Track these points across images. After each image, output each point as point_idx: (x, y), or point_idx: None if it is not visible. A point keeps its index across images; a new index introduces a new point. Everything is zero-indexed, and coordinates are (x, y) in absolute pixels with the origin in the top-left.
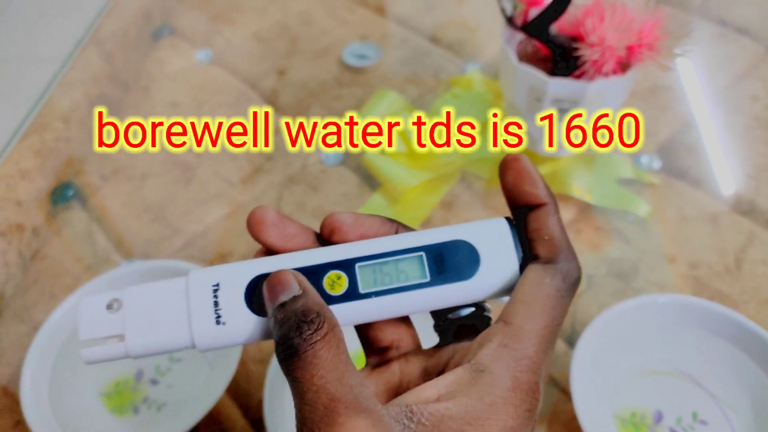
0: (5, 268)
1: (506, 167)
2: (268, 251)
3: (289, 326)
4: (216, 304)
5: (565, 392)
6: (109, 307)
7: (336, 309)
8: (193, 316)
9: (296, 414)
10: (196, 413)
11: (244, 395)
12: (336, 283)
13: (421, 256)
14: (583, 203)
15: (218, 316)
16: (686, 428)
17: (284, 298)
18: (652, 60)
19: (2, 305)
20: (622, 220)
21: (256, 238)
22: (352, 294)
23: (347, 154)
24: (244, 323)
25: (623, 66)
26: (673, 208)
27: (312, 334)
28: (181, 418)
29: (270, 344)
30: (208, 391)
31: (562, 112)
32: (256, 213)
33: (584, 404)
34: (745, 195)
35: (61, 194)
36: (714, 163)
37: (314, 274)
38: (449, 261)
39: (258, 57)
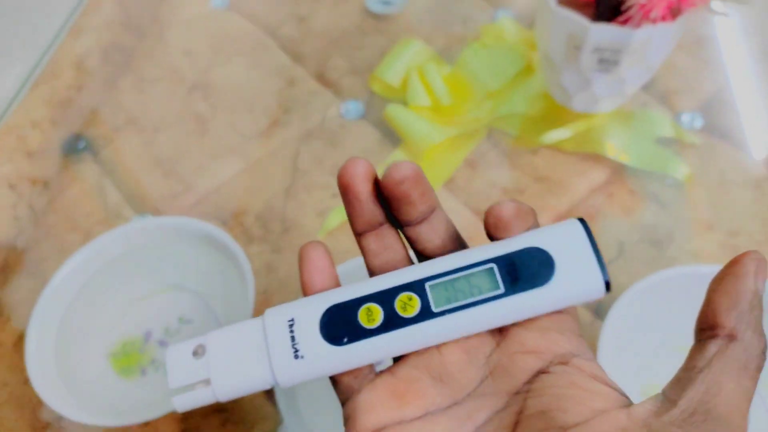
0: (16, 221)
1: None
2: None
3: None
4: (293, 338)
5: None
6: (194, 353)
7: (411, 331)
8: (273, 354)
9: None
10: None
11: None
12: (408, 304)
13: (492, 267)
14: (617, 164)
15: (296, 351)
16: None
17: None
18: (705, 5)
19: (14, 259)
20: (658, 184)
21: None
22: (426, 314)
23: (368, 108)
24: (322, 354)
25: (673, 12)
26: (714, 171)
27: None
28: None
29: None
30: None
31: (602, 62)
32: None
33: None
34: None
35: (73, 146)
36: (760, 124)
37: (385, 298)
38: (522, 269)
39: (276, 2)
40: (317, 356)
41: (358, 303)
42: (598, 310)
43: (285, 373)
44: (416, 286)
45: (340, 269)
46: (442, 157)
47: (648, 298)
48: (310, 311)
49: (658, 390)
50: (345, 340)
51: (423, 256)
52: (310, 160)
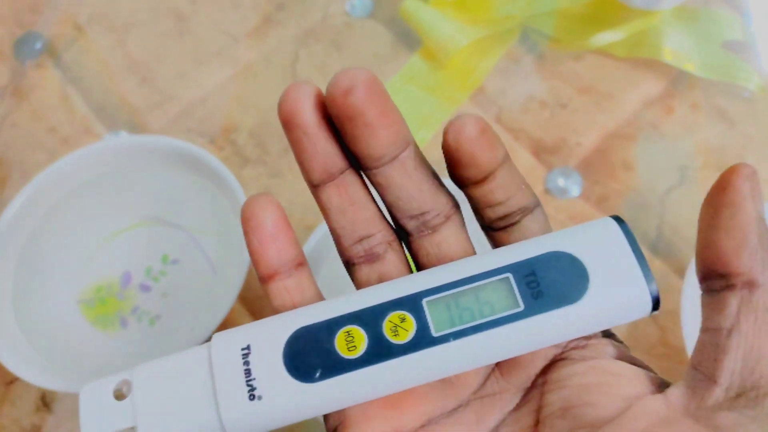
0: None
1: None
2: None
3: None
4: (248, 372)
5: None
6: (116, 392)
7: (404, 362)
8: (220, 393)
9: None
10: (200, 328)
11: (257, 303)
12: (400, 327)
13: (508, 278)
14: (676, 72)
15: (251, 389)
16: None
17: None
18: None
19: None
20: (726, 96)
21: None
22: (424, 339)
23: (377, 3)
24: (287, 394)
25: None
26: None
27: None
28: (181, 334)
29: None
30: (213, 299)
31: None
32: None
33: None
34: None
35: (28, 47)
36: None
37: (371, 319)
38: (546, 281)
39: None
40: (280, 396)
41: (335, 324)
42: (656, 246)
43: (236, 418)
44: (411, 303)
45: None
46: (468, 62)
47: None
48: (272, 336)
49: None
50: (317, 374)
51: (399, 224)
52: (310, 66)
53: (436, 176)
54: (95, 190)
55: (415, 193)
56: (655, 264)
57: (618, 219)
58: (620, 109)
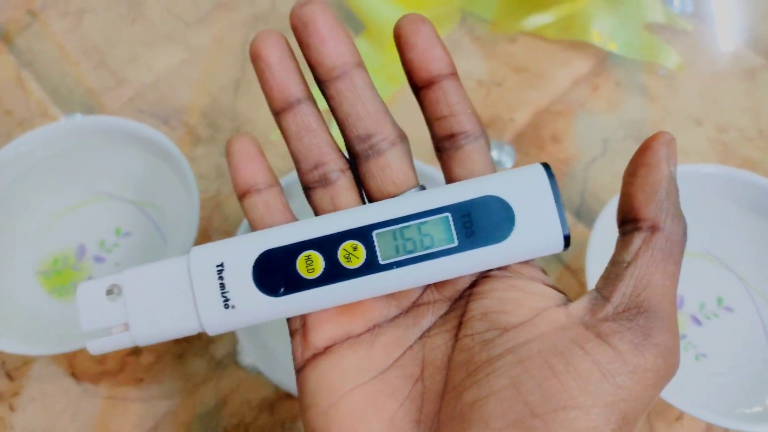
0: None
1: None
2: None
3: None
4: (222, 286)
5: (575, 276)
6: (108, 293)
7: (354, 284)
8: (199, 302)
9: None
10: None
11: None
12: (352, 255)
13: (447, 217)
14: (602, 53)
15: (226, 300)
16: (709, 315)
17: None
18: None
19: None
20: (646, 74)
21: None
22: (372, 266)
23: None
24: (255, 305)
25: None
26: (705, 61)
27: None
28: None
29: (238, 211)
30: None
31: None
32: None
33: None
34: None
35: None
36: (757, 7)
37: (327, 246)
38: (479, 221)
39: None
40: (250, 307)
41: (296, 249)
42: (580, 212)
43: (214, 322)
44: (362, 234)
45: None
46: None
47: None
48: (243, 255)
49: None
50: (281, 290)
51: (349, 146)
52: None
53: (383, 104)
54: (50, 168)
55: (362, 111)
56: (578, 228)
57: (546, 166)
58: (551, 88)
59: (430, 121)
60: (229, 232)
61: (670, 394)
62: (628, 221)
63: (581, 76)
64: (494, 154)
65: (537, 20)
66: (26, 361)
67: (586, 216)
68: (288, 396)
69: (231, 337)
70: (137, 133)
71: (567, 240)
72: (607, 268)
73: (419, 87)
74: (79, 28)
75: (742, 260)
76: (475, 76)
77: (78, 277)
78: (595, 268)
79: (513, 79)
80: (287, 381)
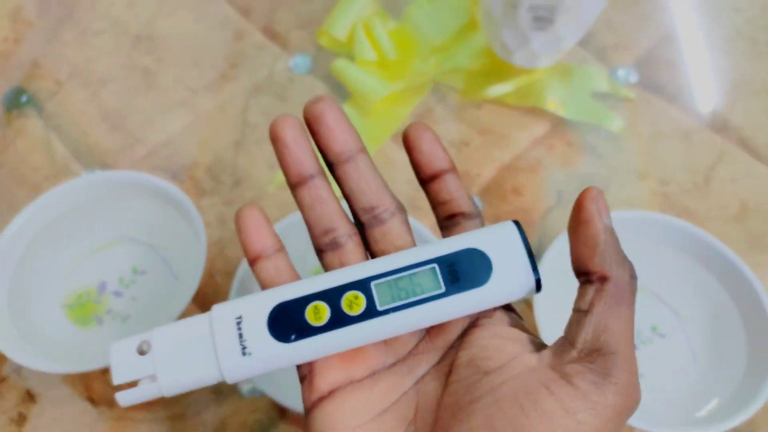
0: None
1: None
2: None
3: None
4: (240, 336)
5: (528, 306)
6: (139, 349)
7: (357, 328)
8: (220, 351)
9: None
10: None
11: (210, 305)
12: (354, 303)
13: (434, 267)
14: (557, 117)
15: (244, 347)
16: (645, 340)
17: None
18: None
19: None
20: (595, 135)
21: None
22: (371, 312)
23: (316, 62)
24: (270, 351)
25: None
26: (647, 123)
27: None
28: (146, 330)
29: (238, 256)
30: (173, 302)
31: (538, 20)
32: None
33: (546, 318)
34: (720, 112)
35: (15, 100)
36: (692, 78)
37: (332, 296)
38: (462, 270)
39: None
40: (265, 353)
41: (305, 301)
42: (537, 254)
43: (232, 369)
44: (362, 285)
45: (289, 219)
46: (389, 111)
47: None
48: (258, 308)
49: None
50: (292, 337)
51: (355, 215)
52: (259, 114)
53: (383, 181)
54: (74, 217)
55: (366, 188)
56: None
57: (516, 223)
58: (512, 147)
59: (434, 206)
60: (230, 273)
61: None
62: (581, 274)
63: (538, 137)
64: None
65: (499, 89)
66: (48, 387)
67: (540, 257)
68: (281, 417)
69: None
70: (153, 185)
71: (538, 284)
72: (570, 316)
73: (425, 180)
74: (99, 95)
75: (674, 294)
76: (446, 138)
77: (98, 309)
78: (542, 298)
79: (479, 140)
80: (286, 400)
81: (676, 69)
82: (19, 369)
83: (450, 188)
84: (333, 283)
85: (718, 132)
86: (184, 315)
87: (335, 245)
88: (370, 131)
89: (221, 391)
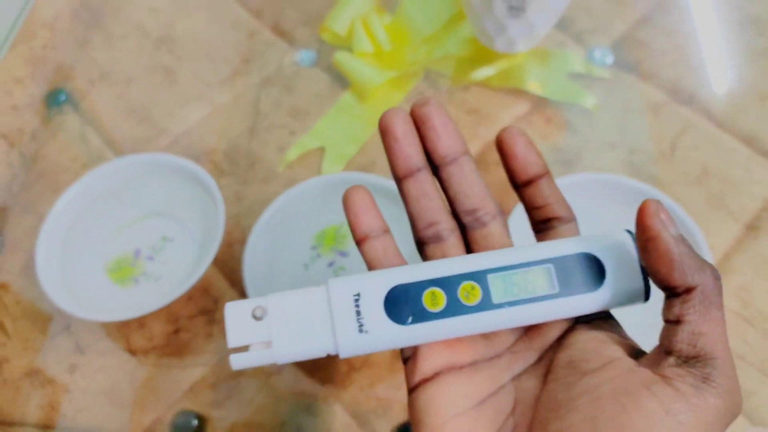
0: (10, 168)
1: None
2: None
3: None
4: (358, 313)
5: None
6: (254, 314)
7: (471, 318)
8: (337, 326)
9: None
10: (188, 282)
11: (230, 271)
12: (470, 293)
13: (549, 268)
14: (537, 97)
15: (361, 325)
16: None
17: None
18: None
19: (11, 201)
20: (571, 112)
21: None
22: (486, 304)
23: (320, 56)
24: (386, 331)
25: None
26: (620, 100)
27: None
28: (176, 287)
29: (250, 227)
30: (197, 265)
31: (512, 9)
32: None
33: None
34: (686, 86)
35: (54, 99)
36: (663, 57)
37: (449, 285)
38: (575, 273)
39: None
40: (381, 332)
41: (422, 286)
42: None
43: (348, 345)
44: (479, 277)
45: (296, 189)
46: (385, 96)
47: None
48: (376, 288)
49: None
50: (409, 320)
51: (457, 216)
52: (269, 104)
53: (485, 185)
54: (114, 193)
55: (468, 191)
56: None
57: (630, 232)
58: (497, 125)
59: (529, 210)
60: (244, 242)
61: None
62: (665, 289)
63: (520, 115)
64: None
65: (482, 73)
66: (93, 340)
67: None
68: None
69: None
70: (180, 166)
71: (647, 293)
72: (663, 326)
73: (519, 185)
74: (127, 92)
75: None
76: None
77: (135, 272)
78: None
79: (466, 119)
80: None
81: (650, 49)
82: (68, 326)
83: (545, 193)
84: (450, 271)
85: (684, 104)
86: (208, 276)
87: (438, 238)
88: (369, 115)
89: None
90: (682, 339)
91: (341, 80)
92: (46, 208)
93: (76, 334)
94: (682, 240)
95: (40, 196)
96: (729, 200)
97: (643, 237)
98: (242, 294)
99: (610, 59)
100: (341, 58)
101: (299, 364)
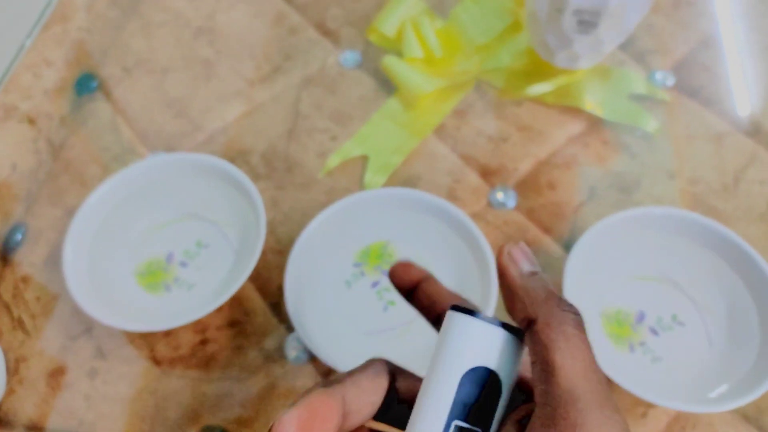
0: (37, 154)
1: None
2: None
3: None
4: None
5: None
6: None
7: None
8: None
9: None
10: (224, 294)
11: (264, 281)
12: None
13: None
14: (594, 117)
15: None
16: (665, 327)
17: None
18: None
19: (36, 189)
20: (630, 135)
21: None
22: None
23: (365, 57)
24: None
25: None
26: (682, 125)
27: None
28: (209, 298)
29: (288, 236)
30: (233, 275)
31: (581, 24)
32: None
33: (573, 302)
34: (753, 116)
35: (86, 85)
36: (727, 83)
37: None
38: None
39: None
40: None
41: None
42: (568, 245)
43: None
44: None
45: (341, 204)
46: (432, 105)
47: (609, 234)
48: None
49: (617, 311)
50: None
51: None
52: (310, 106)
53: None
54: (146, 193)
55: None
56: (565, 258)
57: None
58: (549, 144)
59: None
60: (280, 251)
61: (638, 390)
62: (520, 324)
63: (575, 135)
64: (500, 196)
65: (539, 88)
66: (116, 346)
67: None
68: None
69: (279, 334)
70: (217, 167)
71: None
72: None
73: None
74: (163, 83)
75: (694, 285)
76: (486, 133)
77: (167, 277)
78: (570, 287)
79: (517, 135)
80: (336, 363)
81: (713, 73)
82: (90, 328)
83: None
84: None
85: (749, 136)
86: (241, 289)
87: None
88: (414, 124)
89: (269, 357)
90: (534, 373)
91: (387, 85)
92: (72, 199)
93: (99, 338)
94: (531, 275)
95: (66, 187)
96: None
97: (498, 275)
98: (275, 306)
99: (671, 81)
100: (389, 62)
101: None
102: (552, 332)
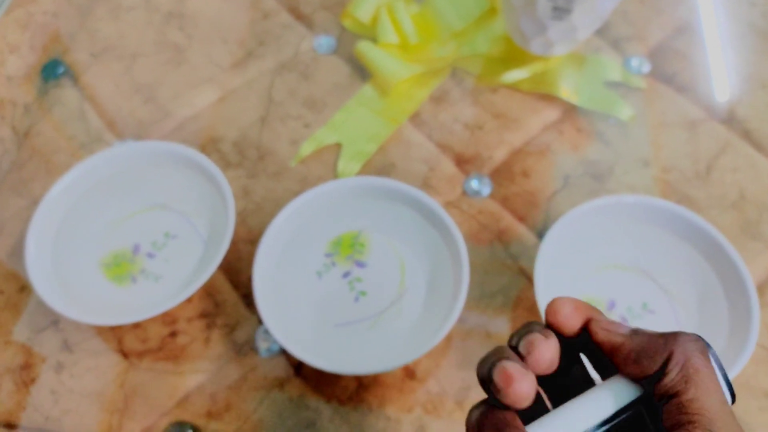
0: (1, 143)
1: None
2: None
3: None
4: None
5: (530, 280)
6: None
7: None
8: None
9: None
10: (192, 285)
11: (235, 272)
12: None
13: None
14: (569, 104)
15: None
16: (635, 315)
17: None
18: None
19: (0, 178)
20: (604, 123)
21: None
22: None
23: (340, 43)
24: None
25: None
26: (656, 112)
27: None
28: (178, 289)
29: (259, 225)
30: (202, 266)
31: (556, 10)
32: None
33: (545, 292)
34: (727, 104)
35: (51, 71)
36: (702, 70)
37: None
38: None
39: None
40: None
41: None
42: (541, 233)
43: None
44: None
45: (311, 193)
46: (408, 92)
47: (582, 223)
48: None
49: (587, 300)
50: None
51: None
52: (284, 92)
53: None
54: (113, 183)
55: None
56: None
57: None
58: (524, 131)
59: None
60: (252, 241)
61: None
62: (647, 378)
63: (550, 123)
64: (474, 184)
65: (515, 75)
66: (83, 339)
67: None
68: (296, 373)
69: (250, 326)
70: (186, 156)
71: (733, 397)
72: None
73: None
74: (132, 69)
75: (665, 274)
76: (462, 120)
77: (133, 269)
78: (541, 274)
79: (493, 123)
80: (303, 355)
81: (688, 60)
82: (56, 321)
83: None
84: None
85: (723, 123)
86: (211, 279)
87: None
88: (389, 112)
89: (240, 349)
90: (670, 412)
91: (362, 71)
92: (38, 189)
93: (65, 331)
94: (633, 333)
95: (32, 176)
96: (765, 228)
97: (605, 350)
98: (246, 298)
99: (646, 68)
100: (364, 47)
101: (306, 378)
102: (690, 367)
